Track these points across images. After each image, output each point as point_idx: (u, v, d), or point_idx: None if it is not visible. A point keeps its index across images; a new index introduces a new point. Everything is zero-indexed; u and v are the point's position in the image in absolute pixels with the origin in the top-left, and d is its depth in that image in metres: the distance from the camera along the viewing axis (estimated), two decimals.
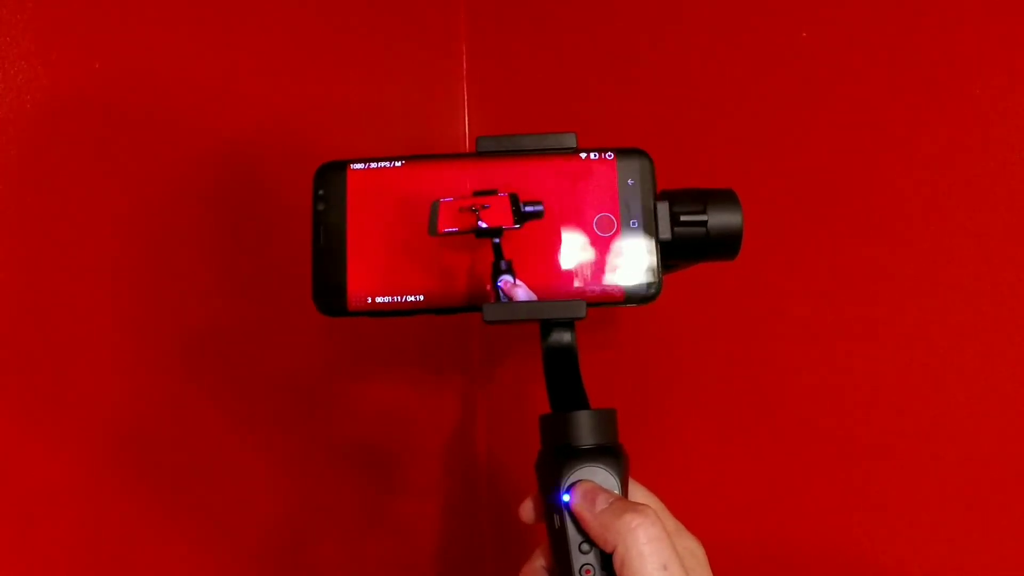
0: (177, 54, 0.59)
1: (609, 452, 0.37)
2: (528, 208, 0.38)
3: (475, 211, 0.38)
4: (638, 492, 0.40)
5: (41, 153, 0.51)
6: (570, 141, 0.39)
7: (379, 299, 0.38)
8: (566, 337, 0.39)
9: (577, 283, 0.38)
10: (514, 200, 0.38)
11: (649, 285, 0.38)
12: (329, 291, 0.38)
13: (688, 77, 0.71)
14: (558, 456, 0.37)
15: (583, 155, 0.39)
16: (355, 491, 0.74)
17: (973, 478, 0.59)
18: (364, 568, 0.76)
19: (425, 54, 0.84)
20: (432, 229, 0.38)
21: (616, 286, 0.38)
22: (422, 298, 0.38)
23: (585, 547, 0.35)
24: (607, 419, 0.38)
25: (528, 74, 0.85)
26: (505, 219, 0.38)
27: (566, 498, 0.36)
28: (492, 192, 0.38)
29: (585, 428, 0.37)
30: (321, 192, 0.39)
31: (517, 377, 0.86)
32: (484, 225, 0.38)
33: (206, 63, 0.60)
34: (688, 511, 0.57)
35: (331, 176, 0.39)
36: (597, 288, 0.38)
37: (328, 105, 0.71)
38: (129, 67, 0.56)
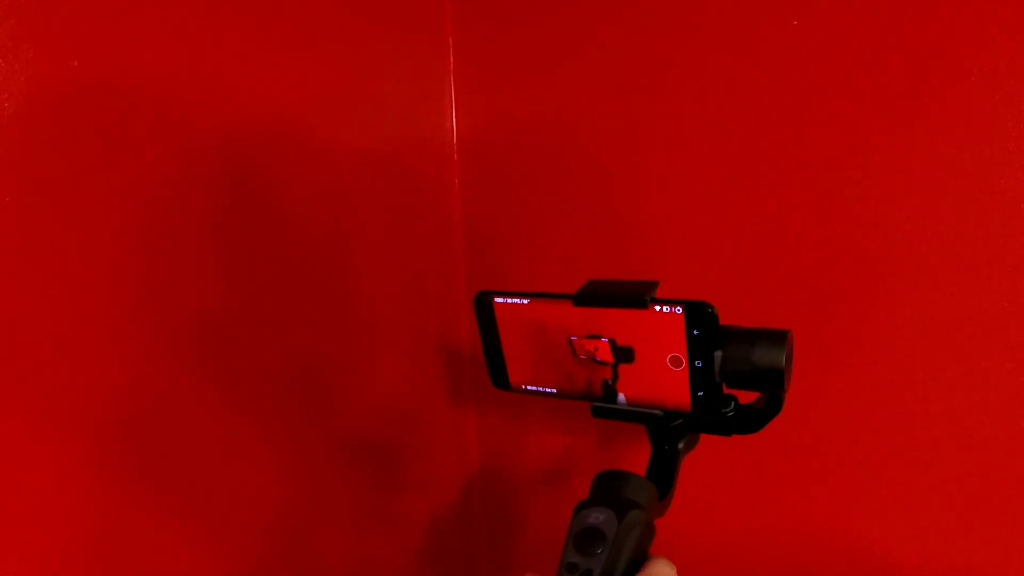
0: (163, 47, 0.58)
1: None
2: (622, 348, 0.50)
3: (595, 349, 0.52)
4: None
5: (24, 150, 0.51)
6: (647, 292, 0.48)
7: (529, 387, 0.56)
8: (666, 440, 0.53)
9: (656, 396, 0.51)
10: (612, 344, 0.51)
11: (701, 405, 0.49)
12: (500, 378, 0.57)
13: (679, 67, 0.69)
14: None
15: (659, 308, 0.48)
16: (355, 487, 0.76)
17: (973, 478, 0.60)
18: (364, 561, 0.78)
19: (412, 48, 0.81)
20: (573, 352, 0.53)
21: (682, 405, 0.50)
22: (555, 390, 0.55)
23: None
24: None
25: (515, 67, 0.81)
26: (608, 356, 0.51)
27: None
28: (598, 336, 0.51)
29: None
30: (480, 314, 0.55)
31: None
32: (604, 359, 0.52)
33: (193, 57, 0.60)
34: (688, 511, 0.68)
35: (483, 304, 0.55)
36: (670, 404, 0.50)
37: (316, 96, 0.71)
38: (113, 61, 0.55)
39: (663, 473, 0.52)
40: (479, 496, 0.93)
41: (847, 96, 0.61)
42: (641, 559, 0.45)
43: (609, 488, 0.47)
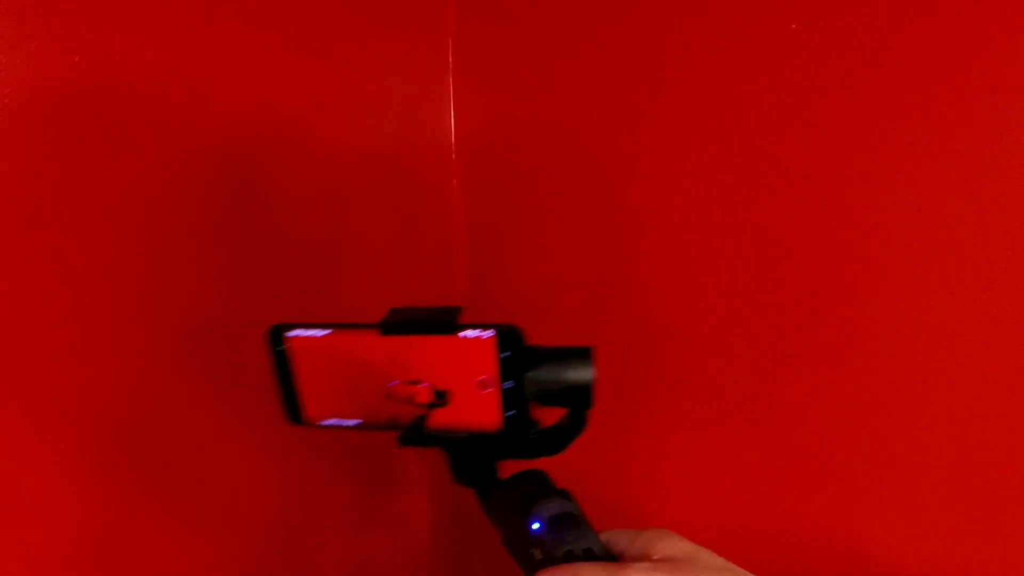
0: (161, 45, 0.58)
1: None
2: (440, 392, 0.50)
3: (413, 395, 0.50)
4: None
5: (27, 146, 0.51)
6: (454, 319, 0.48)
7: (327, 421, 0.53)
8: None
9: (463, 421, 0.51)
10: (432, 388, 0.50)
11: (510, 423, 0.50)
12: (293, 412, 0.53)
13: (681, 67, 0.69)
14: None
15: (469, 333, 0.48)
16: (354, 487, 0.77)
17: (972, 478, 0.60)
18: (363, 561, 0.79)
19: (412, 47, 0.80)
20: (387, 396, 0.50)
21: (491, 427, 0.50)
22: (358, 422, 0.53)
23: None
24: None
25: (515, 67, 0.81)
26: (427, 399, 0.50)
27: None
28: (418, 381, 0.49)
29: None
30: (275, 346, 0.51)
31: None
32: (420, 402, 0.50)
33: (191, 56, 0.60)
34: (687, 511, 0.71)
35: (276, 339, 0.50)
36: (480, 427, 0.51)
37: (315, 96, 0.70)
38: (113, 60, 0.55)
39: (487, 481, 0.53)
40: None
41: (847, 102, 0.60)
42: None
43: (540, 480, 0.50)
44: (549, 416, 0.52)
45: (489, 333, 0.47)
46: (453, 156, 0.87)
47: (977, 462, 0.59)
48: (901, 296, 0.60)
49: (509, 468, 0.53)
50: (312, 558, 0.72)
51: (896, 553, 0.64)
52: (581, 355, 0.49)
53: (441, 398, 0.50)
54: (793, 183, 0.64)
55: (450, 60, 0.85)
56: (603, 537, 0.46)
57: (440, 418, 0.51)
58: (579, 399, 0.49)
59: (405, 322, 0.49)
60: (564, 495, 0.48)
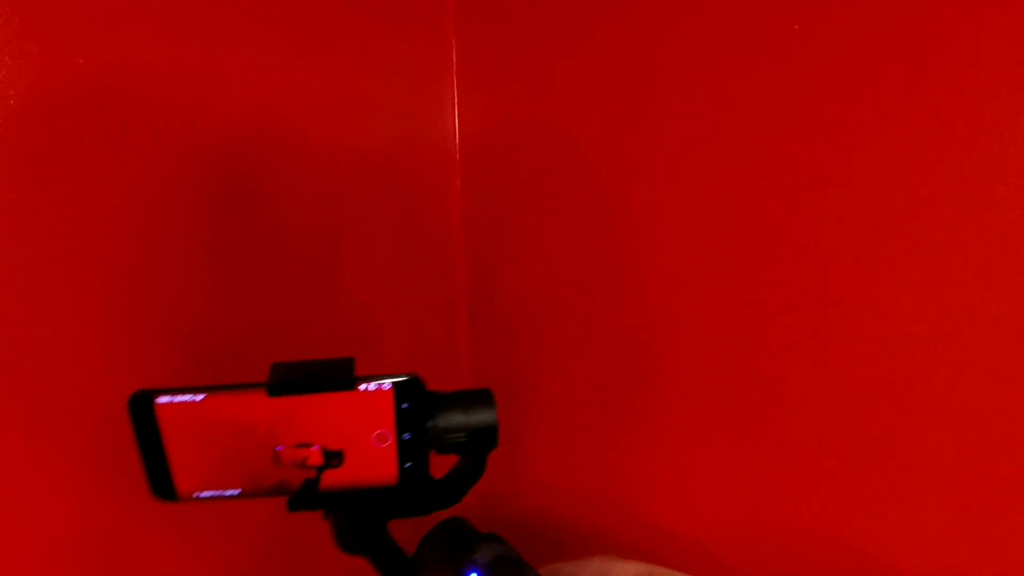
0: (162, 48, 0.58)
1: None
2: (333, 452, 0.47)
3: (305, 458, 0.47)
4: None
5: (25, 148, 0.52)
6: (349, 372, 0.45)
7: (204, 493, 0.48)
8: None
9: (357, 477, 0.48)
10: (324, 450, 0.47)
11: (407, 475, 0.48)
12: (164, 487, 0.47)
13: (686, 68, 0.68)
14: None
15: (364, 387, 0.45)
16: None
17: (972, 478, 0.59)
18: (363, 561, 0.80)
19: (415, 46, 0.80)
20: (274, 461, 0.47)
21: (388, 481, 0.48)
22: (240, 491, 0.48)
23: None
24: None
25: (520, 67, 0.79)
26: (319, 461, 0.47)
27: None
28: (309, 445, 0.46)
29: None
30: (137, 418, 0.45)
31: (505, 364, 0.89)
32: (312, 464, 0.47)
33: (191, 56, 0.60)
34: (687, 511, 0.69)
35: (141, 406, 0.45)
36: (376, 482, 0.48)
37: (318, 98, 0.71)
38: (116, 61, 0.56)
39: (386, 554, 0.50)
40: (476, 496, 0.88)
41: (847, 104, 0.60)
42: None
43: (464, 528, 0.49)
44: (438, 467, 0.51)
45: (387, 384, 0.46)
46: (457, 156, 0.86)
47: (977, 462, 0.59)
48: (900, 296, 0.60)
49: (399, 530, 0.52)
50: (313, 559, 0.72)
51: (896, 553, 0.63)
52: (484, 397, 0.48)
53: (334, 459, 0.47)
54: (793, 187, 0.64)
55: (454, 60, 0.85)
56: (545, 572, 0.46)
57: (331, 478, 0.48)
58: (485, 442, 0.49)
59: (298, 381, 0.45)
60: (495, 538, 0.47)
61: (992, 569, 0.58)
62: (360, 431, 0.47)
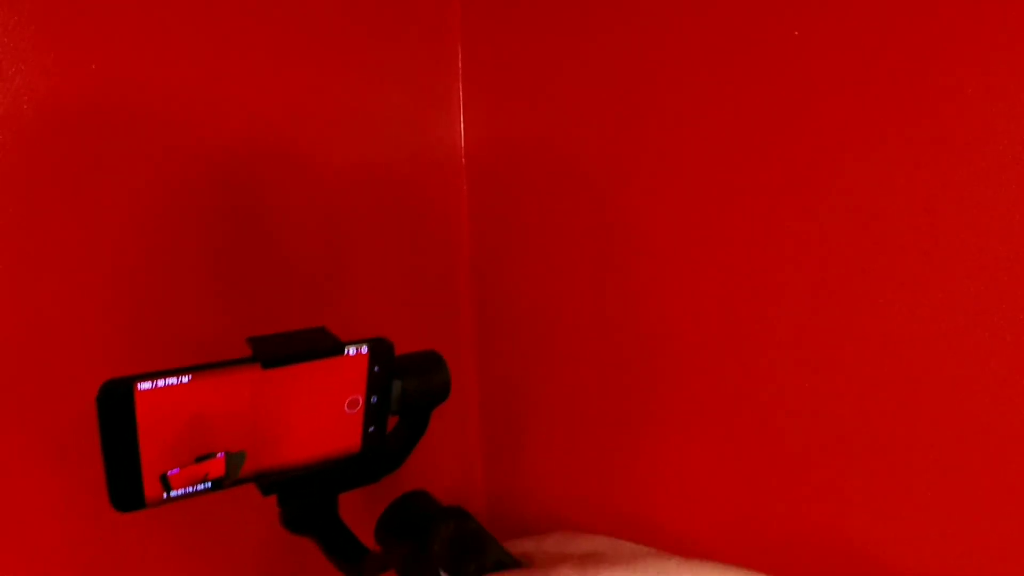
0: (168, 58, 0.60)
1: None
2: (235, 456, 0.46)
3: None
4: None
5: (37, 156, 0.54)
6: (332, 337, 0.48)
7: (176, 492, 0.45)
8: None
9: (331, 447, 0.50)
10: (228, 457, 0.46)
11: (368, 439, 0.51)
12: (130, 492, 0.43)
13: (695, 75, 0.70)
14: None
15: (351, 351, 0.48)
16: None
17: (972, 478, 0.58)
18: None
19: (420, 56, 0.80)
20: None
21: (351, 448, 0.51)
22: (211, 484, 0.46)
23: None
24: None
25: (528, 74, 0.80)
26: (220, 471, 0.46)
27: None
28: (212, 455, 0.45)
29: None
30: (109, 410, 0.41)
31: (510, 371, 0.88)
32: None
33: (198, 65, 0.61)
34: (686, 511, 0.71)
35: (116, 396, 0.41)
36: (337, 450, 0.51)
37: (323, 108, 0.71)
38: (124, 71, 0.58)
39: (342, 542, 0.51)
40: (482, 499, 0.91)
41: (847, 108, 0.59)
42: None
43: (425, 501, 0.50)
44: None
45: (364, 349, 0.49)
46: (463, 165, 0.83)
47: (977, 462, 0.58)
48: (899, 296, 0.60)
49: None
50: (313, 558, 0.63)
51: (896, 553, 0.63)
52: (436, 358, 0.54)
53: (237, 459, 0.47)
54: (792, 199, 0.65)
55: (460, 69, 0.82)
56: (507, 546, 0.46)
57: (295, 454, 0.49)
58: (440, 398, 0.54)
59: (291, 351, 0.46)
60: (458, 512, 0.48)
61: (992, 569, 0.57)
62: (336, 398, 0.49)
